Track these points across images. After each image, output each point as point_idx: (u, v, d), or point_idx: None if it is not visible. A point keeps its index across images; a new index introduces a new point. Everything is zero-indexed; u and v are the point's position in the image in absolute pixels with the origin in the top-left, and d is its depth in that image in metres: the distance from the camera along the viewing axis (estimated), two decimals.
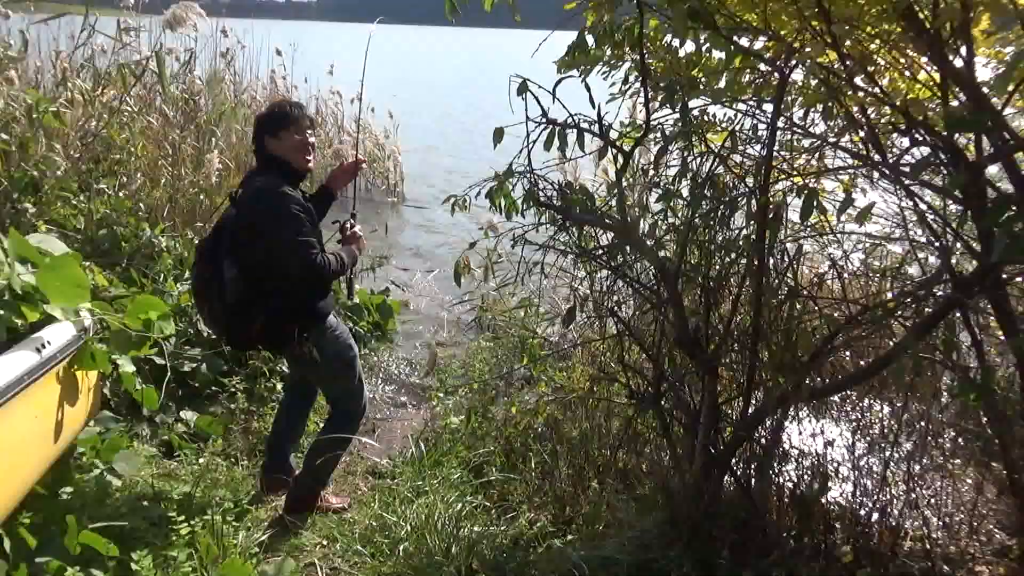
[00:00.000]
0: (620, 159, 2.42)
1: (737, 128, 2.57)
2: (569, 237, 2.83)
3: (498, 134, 2.50)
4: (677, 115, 2.57)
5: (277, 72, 10.91)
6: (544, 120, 2.32)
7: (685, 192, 2.71)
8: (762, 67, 2.37)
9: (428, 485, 3.36)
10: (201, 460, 3.82)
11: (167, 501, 3.24)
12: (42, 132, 5.97)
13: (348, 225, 3.36)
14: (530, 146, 2.42)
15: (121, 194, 6.03)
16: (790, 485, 2.66)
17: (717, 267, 2.67)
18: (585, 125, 2.36)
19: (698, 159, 2.67)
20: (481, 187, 3.19)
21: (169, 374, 4.06)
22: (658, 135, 2.41)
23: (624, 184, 2.35)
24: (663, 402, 2.56)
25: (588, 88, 2.52)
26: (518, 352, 5.63)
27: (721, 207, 2.41)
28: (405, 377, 5.42)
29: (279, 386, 4.58)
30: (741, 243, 2.49)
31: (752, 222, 2.51)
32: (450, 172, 12.70)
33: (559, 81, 2.56)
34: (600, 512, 3.10)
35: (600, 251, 2.61)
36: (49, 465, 2.47)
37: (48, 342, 2.15)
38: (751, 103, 2.59)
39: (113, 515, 2.80)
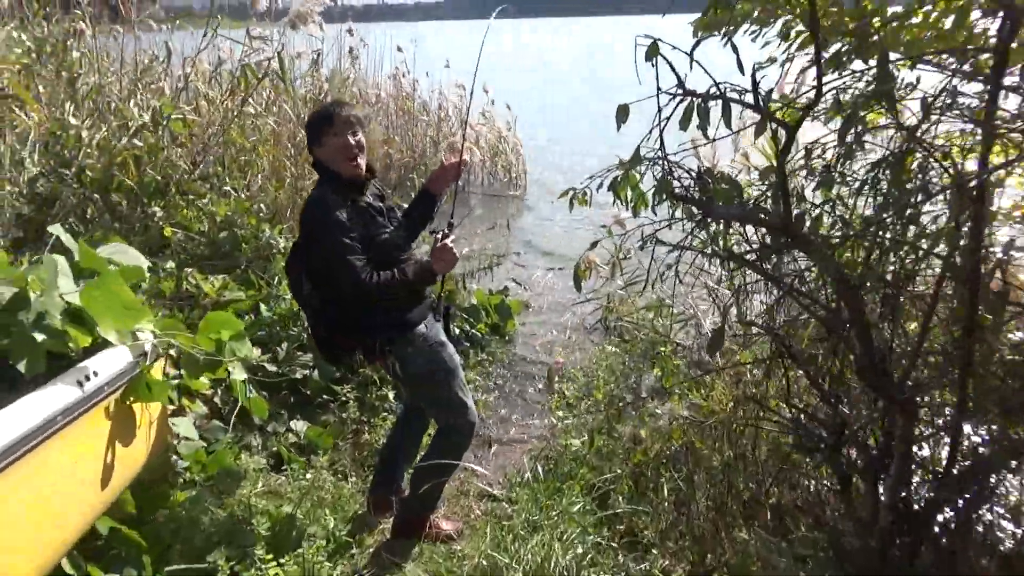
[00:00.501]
0: (782, 137, 1.90)
1: (931, 92, 1.99)
2: (709, 235, 2.33)
3: (622, 112, 2.05)
4: (849, 80, 2.03)
5: (399, 69, 10.86)
6: (680, 92, 1.84)
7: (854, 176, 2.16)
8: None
9: (546, 518, 2.96)
10: (308, 475, 3.61)
11: (267, 523, 3.02)
12: (169, 137, 6.06)
13: (440, 236, 2.99)
14: (662, 124, 1.95)
15: (243, 195, 6.02)
16: (1009, 545, 2.06)
17: (903, 271, 2.10)
18: (733, 95, 1.86)
19: (877, 134, 2.11)
20: (604, 177, 2.76)
21: (276, 381, 3.89)
22: (829, 104, 1.88)
23: (786, 169, 1.83)
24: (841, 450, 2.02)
25: (736, 50, 2.01)
26: (648, 359, 5.14)
27: (914, 195, 1.85)
28: (523, 386, 5.05)
29: (391, 395, 4.33)
30: (941, 240, 1.91)
31: (950, 212, 1.93)
32: (576, 164, 12.23)
33: (696, 44, 2.07)
34: (749, 562, 2.59)
35: (751, 254, 2.10)
36: (99, 514, 2.20)
37: (94, 372, 1.89)
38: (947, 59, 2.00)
39: (205, 545, 2.58)
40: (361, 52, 10.14)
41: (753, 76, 1.78)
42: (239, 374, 4.01)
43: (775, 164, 2.08)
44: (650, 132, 1.98)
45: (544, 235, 8.66)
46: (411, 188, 7.48)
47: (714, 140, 2.05)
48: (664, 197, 1.99)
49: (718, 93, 1.80)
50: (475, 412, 3.14)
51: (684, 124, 1.97)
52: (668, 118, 1.91)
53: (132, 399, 2.08)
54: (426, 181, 3.22)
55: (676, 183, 2.18)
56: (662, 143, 1.95)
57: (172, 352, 2.28)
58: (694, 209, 2.16)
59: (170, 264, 5.03)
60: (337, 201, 2.75)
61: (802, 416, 2.26)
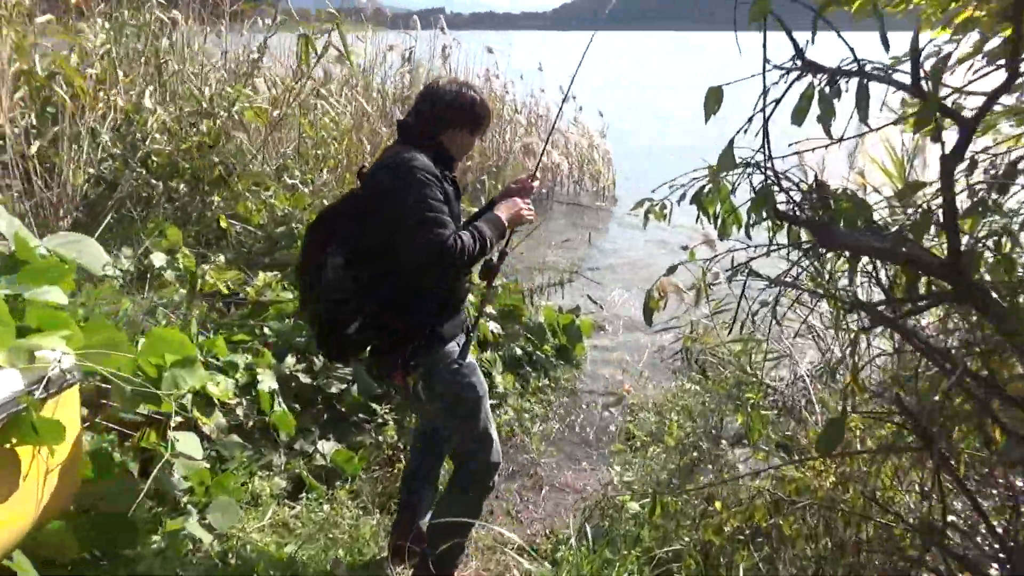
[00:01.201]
0: (951, 135, 1.31)
1: None
2: (822, 270, 1.76)
3: (714, 98, 1.50)
4: None
5: (490, 71, 10.48)
6: (798, 65, 1.28)
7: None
8: None
9: None
10: (326, 507, 3.18)
11: (262, 565, 2.60)
12: (239, 125, 5.83)
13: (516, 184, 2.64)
14: (767, 110, 1.39)
15: (307, 189, 5.73)
16: None
17: None
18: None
19: None
20: (688, 187, 2.21)
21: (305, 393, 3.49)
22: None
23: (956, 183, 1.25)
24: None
25: (881, 18, 1.43)
26: (733, 401, 4.50)
27: None
28: (587, 420, 4.49)
29: None
30: None
31: None
32: (671, 177, 11.53)
33: (821, 10, 1.51)
34: None
35: (886, 305, 1.50)
36: None
37: None
38: None
39: None
40: (454, 51, 9.84)
41: (915, 46, 1.20)
42: (267, 383, 3.65)
43: (904, 183, 1.50)
44: (748, 123, 1.42)
45: (628, 251, 8.05)
46: (481, 191, 7.05)
47: (839, 140, 1.47)
48: (764, 215, 1.43)
49: (856, 69, 1.23)
50: (499, 450, 2.64)
51: (799, 116, 1.41)
52: (777, 102, 1.35)
53: (15, 441, 1.60)
54: (497, 197, 2.72)
55: (780, 196, 1.61)
56: (766, 138, 1.39)
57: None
58: (803, 233, 1.59)
59: (221, 258, 4.75)
60: (429, 164, 2.36)
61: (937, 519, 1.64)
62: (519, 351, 4.75)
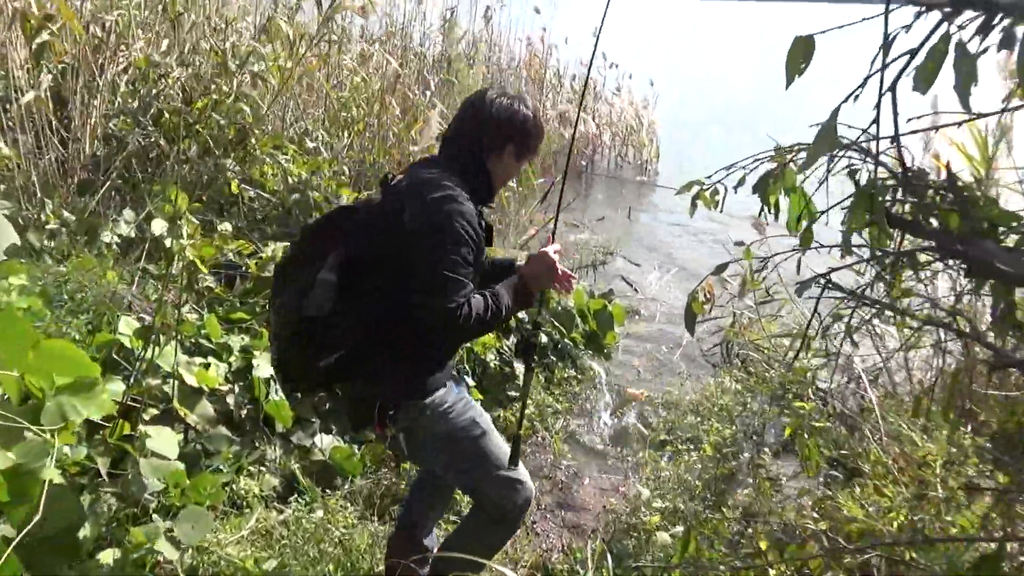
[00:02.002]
0: None
1: None
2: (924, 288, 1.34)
3: (801, 51, 1.08)
4: None
5: (534, 34, 9.95)
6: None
7: None
8: None
9: None
10: (319, 514, 2.86)
11: None
12: (258, 83, 5.48)
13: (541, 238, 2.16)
14: (887, 71, 0.96)
15: (327, 154, 5.37)
16: None
17: None
18: None
19: None
20: (750, 170, 1.81)
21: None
22: None
23: None
24: None
25: None
26: (777, 404, 4.07)
27: None
28: (616, 418, 4.10)
29: None
30: None
31: None
32: (719, 154, 10.95)
33: None
34: None
35: None
36: None
37: None
38: None
39: None
40: (497, 13, 9.34)
41: None
42: (263, 370, 3.33)
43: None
44: (861, 86, 0.99)
45: (669, 231, 7.58)
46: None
47: (978, 116, 1.04)
48: (868, 219, 1.01)
49: None
50: (530, 483, 2.26)
51: (925, 79, 0.98)
52: (913, 53, 0.92)
53: None
54: (524, 267, 2.22)
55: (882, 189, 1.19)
56: (894, 111, 0.97)
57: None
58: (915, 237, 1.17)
59: (227, 225, 4.42)
60: (472, 210, 2.00)
61: None
62: (544, 338, 4.37)
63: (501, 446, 2.22)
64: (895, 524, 2.07)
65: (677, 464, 3.41)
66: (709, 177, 1.91)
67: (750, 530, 2.83)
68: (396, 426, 2.06)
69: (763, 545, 2.14)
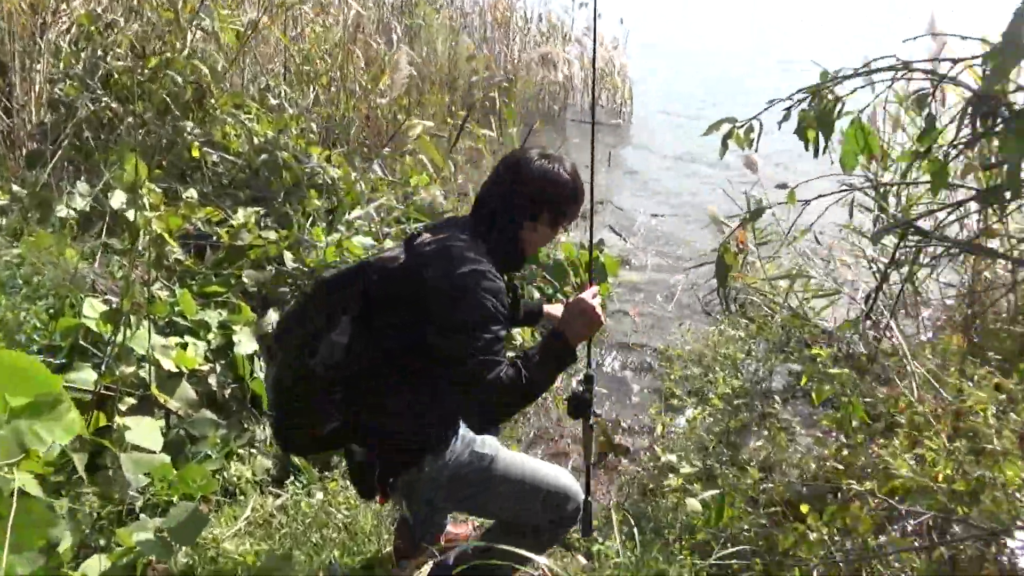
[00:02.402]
0: None
1: None
2: None
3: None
4: None
5: None
6: None
7: None
8: None
9: None
10: (318, 496, 2.68)
11: None
12: (212, 39, 5.11)
13: (582, 295, 1.93)
14: None
15: (293, 111, 5.05)
16: None
17: None
18: None
19: None
20: (795, 104, 1.61)
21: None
22: None
23: None
24: None
25: None
26: (781, 350, 3.95)
27: None
28: (616, 374, 3.96)
29: None
30: None
31: None
32: (693, 95, 10.70)
33: None
34: None
35: None
36: None
37: None
38: None
39: None
40: None
41: None
42: (246, 345, 3.11)
43: None
44: None
45: (650, 173, 7.37)
46: (490, 110, 6.31)
47: None
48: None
49: None
50: (574, 487, 2.08)
51: None
52: None
53: None
54: (560, 321, 1.94)
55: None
56: None
57: None
58: None
59: (192, 192, 4.13)
60: (500, 286, 1.85)
61: None
62: (536, 294, 4.19)
63: (523, 464, 2.05)
64: (941, 478, 1.94)
65: (692, 421, 3.26)
66: (740, 123, 1.70)
67: (770, 485, 2.71)
68: (397, 492, 1.96)
69: (804, 509, 2.01)
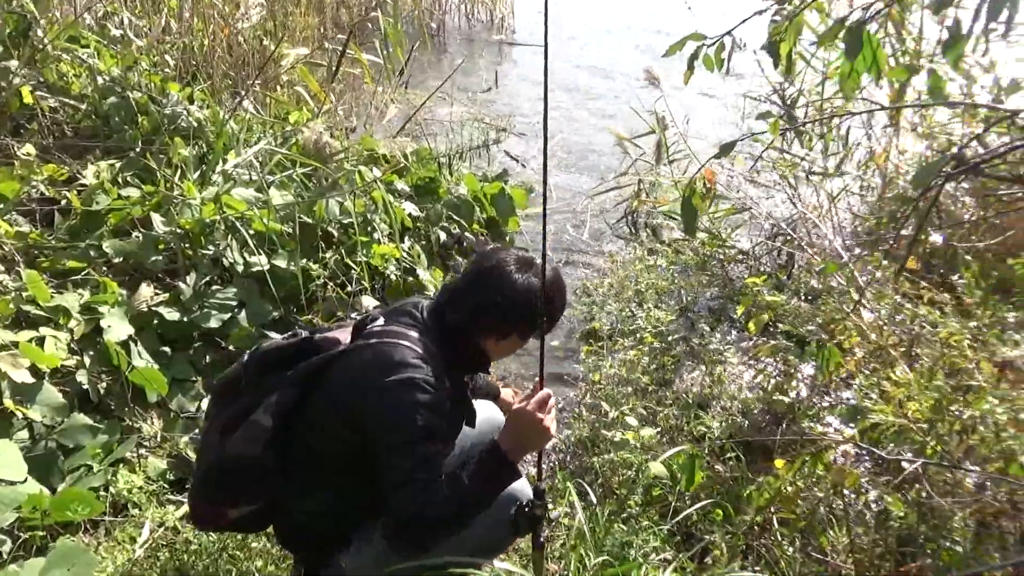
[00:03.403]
0: None
1: None
2: None
3: None
4: None
5: None
6: None
7: None
8: None
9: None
10: None
11: None
12: None
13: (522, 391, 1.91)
14: None
15: (141, 42, 4.36)
16: None
17: None
18: None
19: None
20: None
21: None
22: None
23: None
24: None
25: None
26: (702, 271, 3.84)
27: None
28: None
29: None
30: None
31: None
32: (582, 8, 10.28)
33: None
34: None
35: None
36: None
37: None
38: None
39: None
40: None
41: None
42: (117, 331, 2.65)
43: None
44: None
45: (538, 92, 7.02)
46: (375, 31, 5.73)
47: None
48: None
49: None
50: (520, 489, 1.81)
51: None
52: None
53: None
54: (502, 433, 1.67)
55: None
56: None
57: None
58: None
59: (27, 148, 3.49)
60: (440, 399, 1.64)
61: None
62: (444, 235, 3.87)
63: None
64: (913, 414, 1.84)
65: (626, 363, 3.10)
66: (709, 39, 1.44)
67: (716, 425, 2.59)
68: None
69: (778, 464, 1.86)
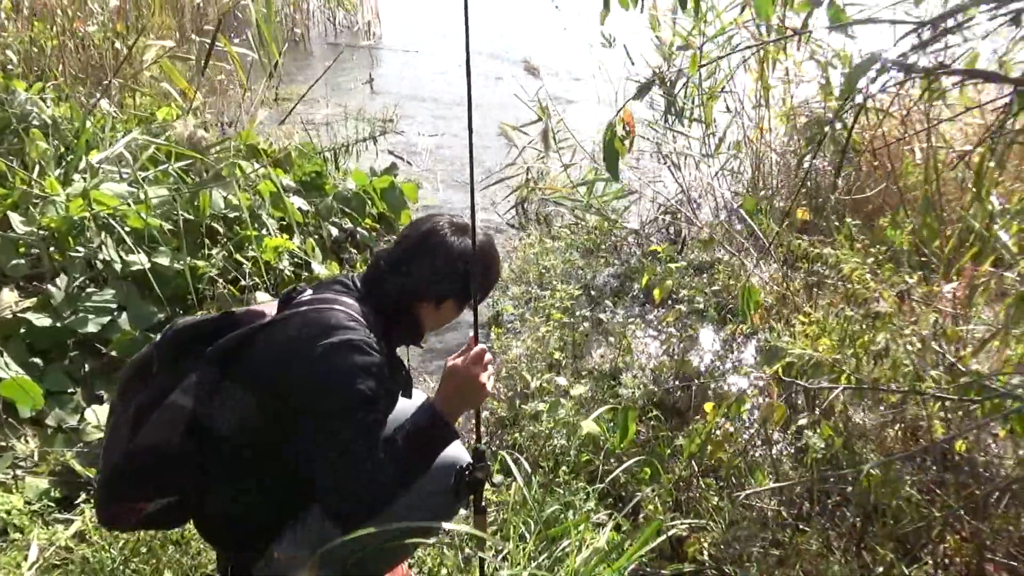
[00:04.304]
0: None
1: None
2: None
3: None
4: None
5: None
6: None
7: None
8: None
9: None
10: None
11: None
12: None
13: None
14: None
15: None
16: None
17: None
18: None
19: None
20: None
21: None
22: None
23: None
24: None
25: None
26: (596, 255, 3.91)
27: None
28: None
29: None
30: None
31: None
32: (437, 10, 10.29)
33: None
34: None
35: None
36: None
37: None
38: None
39: None
40: None
41: None
42: None
43: None
44: None
45: (420, 93, 6.96)
46: (241, 28, 5.48)
47: None
48: None
49: None
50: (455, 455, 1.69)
51: None
52: None
53: None
54: (437, 392, 1.60)
55: None
56: None
57: None
58: None
59: None
60: (378, 362, 1.50)
61: None
62: (335, 230, 3.73)
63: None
64: (824, 350, 1.92)
65: (539, 339, 3.08)
66: None
67: (630, 392, 2.62)
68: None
69: (708, 407, 1.90)
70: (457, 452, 1.69)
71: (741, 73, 3.92)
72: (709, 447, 1.88)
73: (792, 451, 2.25)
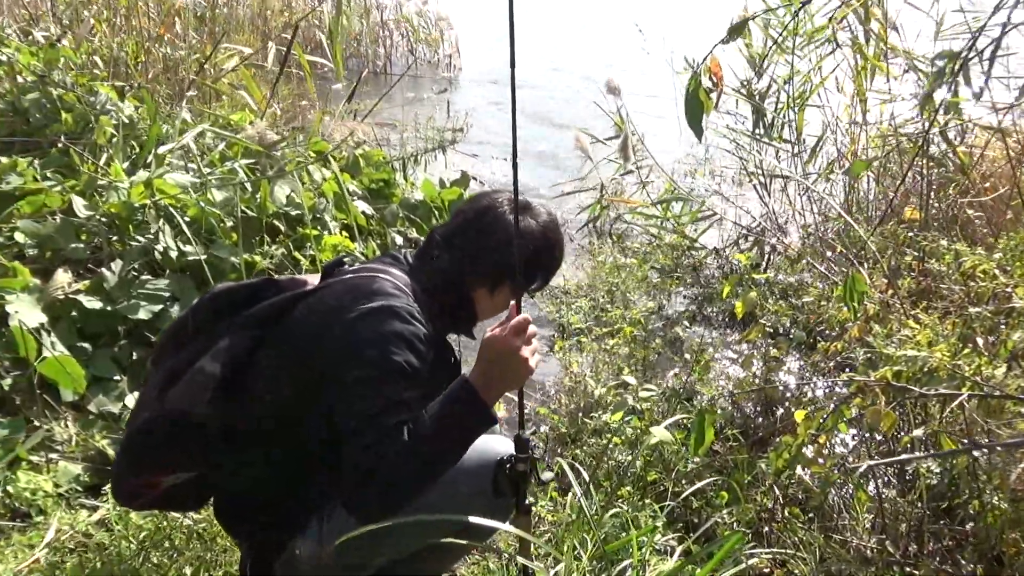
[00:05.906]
0: None
1: None
2: None
3: None
4: None
5: None
6: None
7: None
8: None
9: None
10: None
11: None
12: None
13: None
14: None
15: (64, 43, 4.07)
16: None
17: None
18: None
19: None
20: None
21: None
22: None
23: None
24: None
25: None
26: (671, 275, 3.66)
27: None
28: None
29: None
30: None
31: None
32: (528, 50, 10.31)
33: None
34: None
35: None
36: None
37: None
38: None
39: None
40: None
41: None
42: (27, 316, 2.30)
43: None
44: None
45: (493, 122, 6.90)
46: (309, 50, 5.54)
47: None
48: None
49: None
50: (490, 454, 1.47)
51: None
52: None
53: None
54: (474, 368, 1.34)
55: None
56: None
57: None
58: None
59: None
60: (421, 334, 1.34)
61: None
62: (399, 237, 3.62)
63: None
64: (941, 356, 1.64)
65: (608, 350, 2.86)
66: None
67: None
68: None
69: (799, 416, 1.63)
70: (496, 446, 1.48)
71: (834, 89, 3.67)
72: (799, 463, 1.61)
73: (896, 480, 1.95)
